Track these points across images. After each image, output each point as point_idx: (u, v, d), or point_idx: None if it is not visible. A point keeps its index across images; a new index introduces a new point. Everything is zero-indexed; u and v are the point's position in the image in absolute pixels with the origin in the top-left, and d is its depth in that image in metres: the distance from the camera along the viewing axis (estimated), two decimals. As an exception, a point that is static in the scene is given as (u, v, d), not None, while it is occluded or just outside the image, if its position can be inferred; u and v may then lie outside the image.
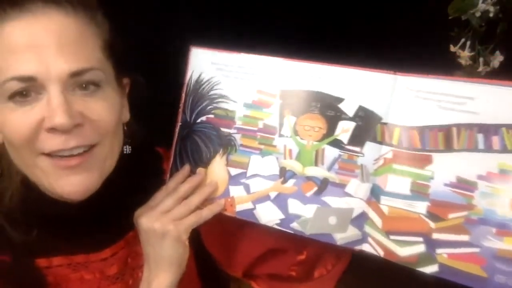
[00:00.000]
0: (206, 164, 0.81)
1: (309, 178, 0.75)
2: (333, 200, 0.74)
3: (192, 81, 0.81)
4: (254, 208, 0.78)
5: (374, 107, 0.72)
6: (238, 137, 0.79)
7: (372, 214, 0.73)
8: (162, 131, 0.84)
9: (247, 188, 0.78)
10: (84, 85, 0.67)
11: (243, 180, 0.78)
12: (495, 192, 0.65)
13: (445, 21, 1.04)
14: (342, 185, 0.74)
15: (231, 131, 0.79)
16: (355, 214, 0.73)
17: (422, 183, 0.69)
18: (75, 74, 0.65)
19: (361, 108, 0.72)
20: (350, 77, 0.73)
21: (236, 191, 0.79)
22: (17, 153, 0.69)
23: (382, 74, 0.72)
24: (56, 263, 0.74)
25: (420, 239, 0.69)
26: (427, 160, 0.69)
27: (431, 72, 0.71)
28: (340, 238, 0.74)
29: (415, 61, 0.74)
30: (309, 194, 0.75)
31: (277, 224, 0.77)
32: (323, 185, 0.75)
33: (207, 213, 0.78)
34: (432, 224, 0.69)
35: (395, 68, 0.72)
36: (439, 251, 0.68)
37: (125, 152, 0.76)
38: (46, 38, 0.64)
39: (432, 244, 0.69)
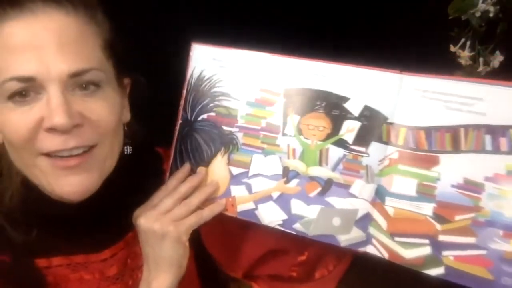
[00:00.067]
0: (207, 163, 0.79)
1: (312, 178, 0.74)
2: (337, 201, 0.73)
3: (193, 78, 0.79)
4: (256, 209, 0.77)
5: (380, 107, 0.71)
6: (240, 135, 0.77)
7: (377, 216, 0.72)
8: (162, 131, 0.82)
9: (249, 188, 0.77)
10: (84, 85, 0.66)
11: (245, 180, 0.77)
12: (502, 194, 0.65)
13: (445, 21, 1.03)
14: (346, 186, 0.73)
15: (233, 129, 0.78)
16: (359, 215, 0.72)
17: (429, 184, 0.68)
18: (75, 75, 0.64)
19: (366, 108, 0.71)
20: (355, 76, 0.72)
21: (238, 191, 0.77)
22: (16, 153, 0.68)
23: (388, 73, 0.71)
24: (55, 263, 0.73)
25: (426, 241, 0.68)
26: (434, 161, 0.68)
27: (431, 72, 0.70)
28: (344, 239, 0.73)
29: (415, 61, 0.74)
30: (312, 194, 0.74)
31: (279, 225, 0.76)
32: (327, 185, 0.73)
33: (207, 213, 0.76)
34: (439, 226, 0.68)
35: (395, 68, 0.72)
36: (445, 253, 0.68)
37: (125, 153, 0.75)
38: (46, 37, 0.63)
39: (438, 246, 0.68)
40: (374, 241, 0.72)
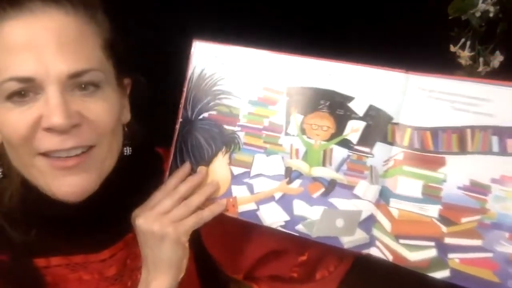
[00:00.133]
0: (207, 162, 0.78)
1: (316, 179, 0.73)
2: (340, 202, 0.72)
3: (194, 76, 0.78)
4: (258, 209, 0.75)
5: (385, 107, 0.70)
6: (242, 135, 0.76)
7: (381, 217, 0.71)
8: (163, 131, 0.81)
9: (250, 188, 0.76)
10: (83, 86, 0.66)
11: (246, 180, 0.76)
12: (509, 196, 0.64)
13: (445, 21, 1.03)
14: (350, 187, 0.71)
15: (235, 128, 0.76)
16: (363, 216, 0.71)
17: (434, 186, 0.67)
18: (74, 75, 0.64)
19: (371, 108, 0.70)
20: (360, 75, 0.71)
21: (239, 191, 0.76)
22: (15, 153, 0.68)
23: (394, 73, 0.70)
24: (54, 263, 0.73)
25: (432, 243, 0.68)
26: (440, 162, 0.67)
27: (434, 71, 0.69)
28: (347, 241, 0.72)
29: (415, 61, 0.73)
30: (315, 195, 0.73)
31: (281, 226, 0.74)
32: (330, 186, 0.72)
33: (208, 214, 0.75)
34: (444, 228, 0.67)
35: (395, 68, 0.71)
36: (451, 256, 0.67)
37: (125, 154, 0.75)
38: (45, 37, 0.63)
39: (443, 249, 0.67)
40: (378, 243, 0.71)
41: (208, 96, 0.77)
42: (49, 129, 0.63)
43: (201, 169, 0.77)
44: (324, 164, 0.73)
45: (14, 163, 0.69)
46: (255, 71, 0.75)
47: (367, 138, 0.71)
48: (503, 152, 0.65)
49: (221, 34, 0.77)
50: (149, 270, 0.73)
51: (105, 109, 0.67)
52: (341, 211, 0.72)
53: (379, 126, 0.70)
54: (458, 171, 0.66)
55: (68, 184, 0.67)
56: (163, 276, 0.72)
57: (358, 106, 0.71)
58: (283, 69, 0.74)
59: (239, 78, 0.76)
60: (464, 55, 1.05)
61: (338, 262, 0.85)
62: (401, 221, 0.69)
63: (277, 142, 0.74)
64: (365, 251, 0.72)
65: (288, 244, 0.82)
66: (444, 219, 0.67)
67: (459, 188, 0.66)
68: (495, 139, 0.65)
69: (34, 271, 0.71)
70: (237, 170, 0.76)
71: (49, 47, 0.63)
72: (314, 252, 0.84)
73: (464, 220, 0.66)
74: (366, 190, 0.71)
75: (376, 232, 0.71)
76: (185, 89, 0.78)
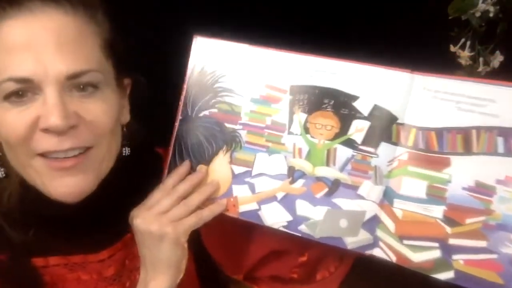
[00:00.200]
0: (207, 161, 0.76)
1: (319, 179, 0.72)
2: (344, 202, 0.71)
3: (195, 72, 0.76)
4: (259, 209, 0.74)
5: (390, 106, 0.69)
6: (243, 133, 0.75)
7: (385, 218, 0.70)
8: (162, 131, 0.80)
9: (252, 187, 0.75)
10: (81, 87, 0.65)
11: (247, 179, 0.75)
12: (514, 198, 0.64)
13: (445, 21, 1.03)
14: (354, 187, 0.71)
15: (236, 127, 0.75)
16: (367, 217, 0.71)
17: (439, 187, 0.67)
18: (73, 76, 0.64)
19: (376, 107, 0.70)
20: (365, 74, 0.70)
21: (240, 191, 0.75)
22: (13, 153, 0.67)
23: (399, 73, 0.69)
24: (53, 262, 0.72)
25: (436, 244, 0.67)
26: (445, 163, 0.67)
27: (437, 72, 0.69)
28: (351, 242, 0.71)
29: (415, 61, 0.72)
30: (319, 195, 0.72)
31: (284, 227, 0.73)
32: (334, 186, 0.71)
33: (207, 213, 0.74)
34: (449, 229, 0.67)
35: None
36: (455, 257, 0.66)
37: (124, 154, 0.74)
38: (44, 36, 0.63)
39: (448, 250, 0.67)
40: (381, 244, 0.70)
41: (209, 93, 0.76)
42: (47, 130, 0.63)
43: (201, 168, 0.76)
44: (327, 164, 0.72)
45: (12, 163, 0.69)
46: (258, 69, 0.74)
47: (371, 138, 0.70)
48: (508, 153, 0.64)
49: (221, 34, 0.76)
50: (147, 270, 0.72)
51: (104, 110, 0.67)
52: (344, 212, 0.71)
53: (383, 126, 0.69)
54: (463, 172, 0.66)
55: (66, 184, 0.66)
56: (161, 276, 0.71)
57: (363, 106, 0.70)
58: (286, 67, 0.73)
59: (241, 76, 0.74)
60: (464, 55, 1.05)
61: (338, 262, 0.85)
62: (405, 221, 0.69)
63: (280, 141, 0.73)
64: (368, 252, 0.71)
65: (288, 244, 0.81)
66: (449, 220, 0.67)
67: (464, 189, 0.66)
68: (500, 140, 0.64)
69: (32, 271, 0.70)
70: (238, 169, 0.75)
71: (48, 47, 0.62)
72: (314, 252, 0.83)
73: (468, 221, 0.66)
74: (370, 190, 0.70)
75: (380, 233, 0.70)
76: (185, 86, 0.76)
